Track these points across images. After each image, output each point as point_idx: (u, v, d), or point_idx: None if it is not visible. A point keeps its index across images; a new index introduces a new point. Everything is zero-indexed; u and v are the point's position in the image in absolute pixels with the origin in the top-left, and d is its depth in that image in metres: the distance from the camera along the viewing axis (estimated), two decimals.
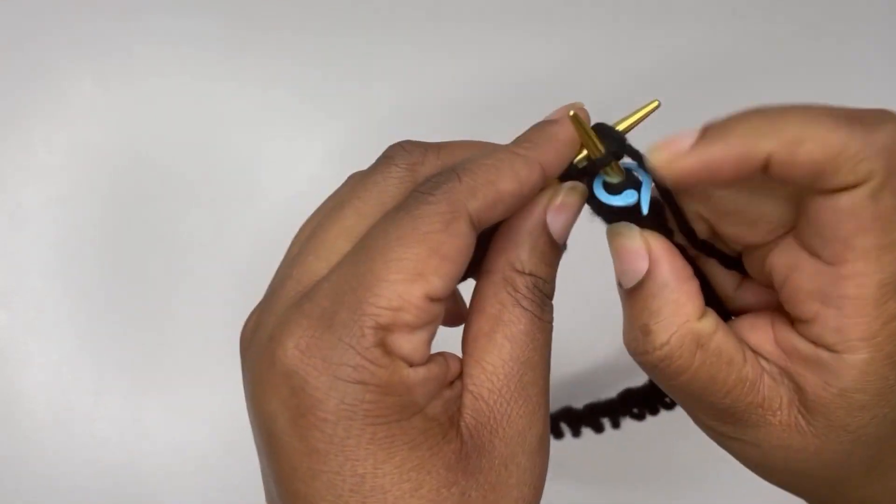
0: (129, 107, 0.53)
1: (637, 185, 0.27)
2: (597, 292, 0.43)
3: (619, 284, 0.28)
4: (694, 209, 0.27)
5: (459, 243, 0.24)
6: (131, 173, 0.52)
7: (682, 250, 0.28)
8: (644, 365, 0.27)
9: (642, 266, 0.26)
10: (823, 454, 0.26)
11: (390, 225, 0.24)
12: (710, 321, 0.26)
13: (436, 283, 0.23)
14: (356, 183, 0.28)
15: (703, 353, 0.26)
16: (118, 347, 0.50)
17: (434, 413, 0.24)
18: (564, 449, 0.45)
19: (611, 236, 0.28)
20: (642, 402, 0.44)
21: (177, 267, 0.51)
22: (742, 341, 0.27)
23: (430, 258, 0.23)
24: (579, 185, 0.27)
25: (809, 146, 0.23)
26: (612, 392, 0.45)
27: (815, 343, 0.25)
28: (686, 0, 0.57)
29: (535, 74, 0.55)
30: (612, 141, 0.27)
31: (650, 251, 0.26)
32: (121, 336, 0.50)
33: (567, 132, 0.26)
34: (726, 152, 0.23)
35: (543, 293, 0.26)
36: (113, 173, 0.52)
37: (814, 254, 0.25)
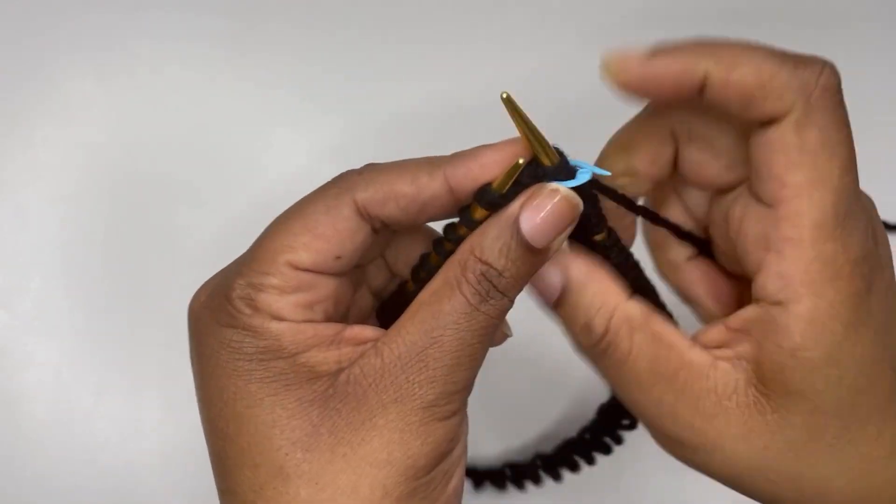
0: (129, 106, 0.53)
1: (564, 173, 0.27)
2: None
3: (546, 305, 0.30)
4: (669, 123, 0.29)
5: (338, 225, 0.27)
6: (132, 173, 0.52)
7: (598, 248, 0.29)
8: (593, 359, 0.29)
9: (557, 278, 0.28)
10: (787, 431, 0.26)
11: (289, 209, 0.28)
12: (638, 305, 0.28)
13: (302, 255, 0.27)
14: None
15: (640, 334, 0.27)
16: (118, 347, 0.50)
17: (308, 361, 0.26)
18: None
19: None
20: (586, 447, 0.46)
21: (177, 267, 0.51)
22: (687, 335, 0.28)
23: (303, 234, 0.27)
24: (563, 189, 0.26)
25: (743, 70, 0.24)
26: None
27: (765, 301, 0.26)
28: (686, 4, 0.57)
29: (536, 79, 0.55)
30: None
31: (562, 263, 0.29)
32: (121, 336, 0.50)
33: (490, 154, 0.27)
34: (668, 67, 0.25)
35: (493, 284, 0.26)
36: (113, 173, 0.52)
37: (758, 199, 0.26)
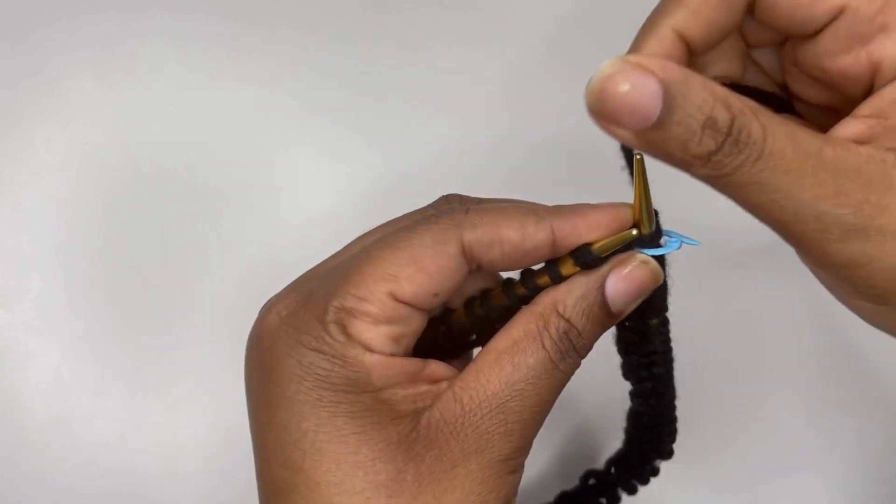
0: (129, 106, 0.53)
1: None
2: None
3: (643, 136, 0.22)
4: None
5: (442, 263, 0.26)
6: (131, 173, 0.52)
7: None
8: (720, 164, 0.22)
9: (655, 86, 0.21)
10: None
11: (393, 235, 0.27)
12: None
13: (405, 287, 0.26)
14: (399, 216, 0.30)
15: (765, 113, 0.22)
16: (118, 347, 0.50)
17: (391, 398, 0.26)
18: None
19: (599, 87, 0.21)
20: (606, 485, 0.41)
21: (177, 267, 0.51)
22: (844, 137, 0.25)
23: (408, 265, 0.26)
24: (652, 264, 0.27)
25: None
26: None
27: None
28: None
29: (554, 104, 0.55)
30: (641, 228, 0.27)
31: (648, 65, 0.21)
32: (121, 336, 0.50)
33: (598, 217, 0.27)
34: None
35: (572, 343, 0.27)
36: (113, 173, 0.52)
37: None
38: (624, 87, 0.20)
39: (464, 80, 0.54)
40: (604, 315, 0.27)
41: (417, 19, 0.55)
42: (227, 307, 0.50)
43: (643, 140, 0.22)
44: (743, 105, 0.22)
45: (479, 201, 0.29)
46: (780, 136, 0.22)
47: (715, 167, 0.22)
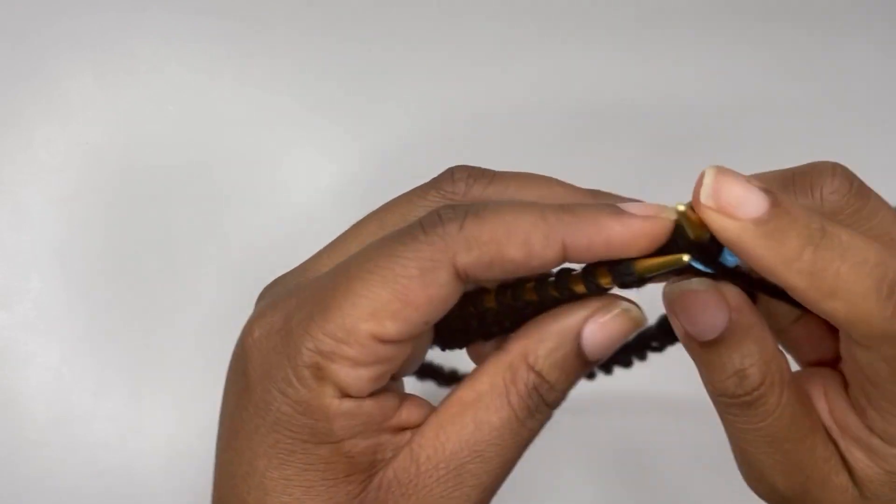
0: (129, 106, 0.53)
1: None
2: None
3: (690, 340, 0.25)
4: None
5: (433, 293, 0.23)
6: (131, 173, 0.52)
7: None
8: (729, 408, 0.25)
9: (723, 316, 0.24)
10: None
11: (376, 250, 0.24)
12: (786, 360, 0.26)
13: (389, 327, 0.23)
14: (399, 196, 0.27)
15: (789, 392, 0.25)
16: (118, 347, 0.50)
17: (351, 450, 0.24)
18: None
19: (679, 291, 0.25)
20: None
21: (177, 267, 0.51)
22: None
23: (392, 302, 0.22)
24: (635, 311, 0.24)
25: (837, 304, 0.22)
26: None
27: (868, 427, 0.25)
28: (687, 4, 0.57)
29: (553, 90, 0.55)
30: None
31: (728, 299, 0.24)
32: (121, 336, 0.50)
33: (620, 232, 0.23)
34: (765, 256, 0.22)
35: (542, 398, 0.24)
36: (113, 173, 0.52)
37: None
38: (712, 314, 0.24)
39: (473, 93, 0.54)
40: (579, 364, 0.24)
41: (415, 18, 0.55)
42: (226, 307, 0.50)
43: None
44: (776, 377, 0.24)
45: (490, 180, 0.26)
46: (785, 416, 0.25)
47: (724, 404, 0.26)
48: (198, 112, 0.53)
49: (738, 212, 0.21)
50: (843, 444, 0.26)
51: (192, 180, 0.52)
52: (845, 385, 0.26)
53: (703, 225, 0.22)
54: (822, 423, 0.26)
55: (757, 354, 0.24)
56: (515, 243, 0.22)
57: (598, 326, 0.24)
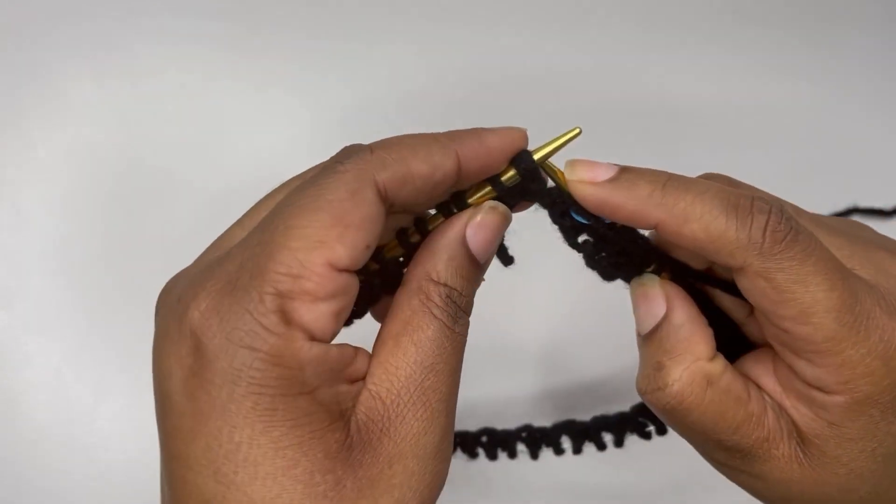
0: (128, 107, 0.53)
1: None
2: (603, 302, 0.43)
3: (637, 332, 0.29)
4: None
5: (365, 211, 0.24)
6: (131, 173, 0.52)
7: (700, 300, 0.29)
8: (655, 403, 0.28)
9: (660, 310, 0.28)
10: (823, 487, 0.27)
11: (297, 193, 0.25)
12: (720, 363, 0.28)
13: (339, 251, 0.23)
14: (302, 172, 0.29)
15: (713, 390, 0.27)
16: (118, 347, 0.50)
17: (323, 400, 0.24)
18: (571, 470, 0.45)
19: (634, 286, 0.29)
20: (653, 417, 0.42)
21: (177, 267, 0.51)
22: (748, 379, 0.28)
23: (334, 226, 0.23)
24: (500, 206, 0.28)
25: (694, 226, 0.26)
26: (613, 407, 0.44)
27: (808, 383, 0.26)
28: (686, 3, 0.57)
29: (514, 73, 0.55)
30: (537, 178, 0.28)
31: (667, 296, 0.28)
32: (121, 336, 0.50)
33: (495, 139, 0.27)
34: (624, 202, 0.26)
35: (457, 305, 0.27)
36: (113, 173, 0.52)
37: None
38: (649, 308, 0.29)
39: (450, 79, 0.54)
40: (474, 268, 0.27)
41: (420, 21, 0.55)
42: None
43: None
44: (698, 378, 0.27)
45: (383, 140, 0.28)
46: (710, 412, 0.27)
47: (648, 397, 0.29)
48: (197, 112, 0.53)
49: (595, 178, 0.27)
50: (790, 405, 0.27)
51: (191, 180, 0.52)
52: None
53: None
54: (764, 406, 0.27)
55: (678, 351, 0.28)
56: (420, 158, 0.25)
57: (476, 226, 0.27)
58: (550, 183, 0.28)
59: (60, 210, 0.51)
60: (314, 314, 0.23)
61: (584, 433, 0.42)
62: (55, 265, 0.51)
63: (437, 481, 0.26)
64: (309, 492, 0.23)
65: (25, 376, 0.49)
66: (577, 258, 0.29)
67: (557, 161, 0.28)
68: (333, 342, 0.25)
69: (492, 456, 0.43)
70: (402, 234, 0.29)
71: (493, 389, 0.49)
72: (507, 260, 0.30)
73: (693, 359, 0.27)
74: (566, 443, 0.43)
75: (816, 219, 0.29)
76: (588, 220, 0.28)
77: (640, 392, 0.28)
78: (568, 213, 0.28)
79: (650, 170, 0.27)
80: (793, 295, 0.25)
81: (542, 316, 0.50)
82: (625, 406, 0.42)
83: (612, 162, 0.27)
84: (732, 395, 0.27)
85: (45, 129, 0.52)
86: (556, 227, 0.29)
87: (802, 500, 0.27)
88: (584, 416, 0.45)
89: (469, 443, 0.43)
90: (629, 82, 0.56)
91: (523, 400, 0.51)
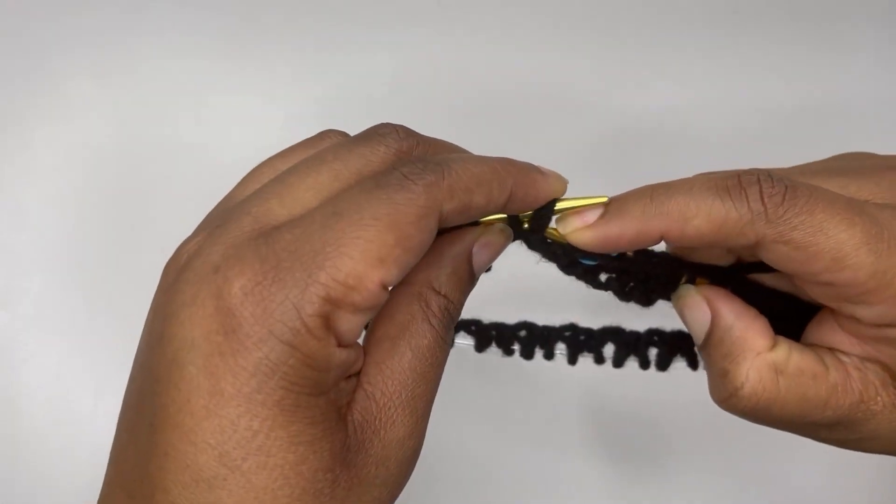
0: (129, 106, 0.53)
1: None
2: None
3: (697, 347, 0.30)
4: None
5: (424, 238, 0.25)
6: (131, 173, 0.52)
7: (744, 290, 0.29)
8: (734, 410, 0.28)
9: (705, 317, 0.28)
10: None
11: (366, 199, 0.24)
12: (783, 348, 0.28)
13: (393, 272, 0.24)
14: (340, 146, 0.27)
15: (785, 378, 0.27)
16: (118, 347, 0.50)
17: (335, 399, 0.25)
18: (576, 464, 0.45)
19: (675, 302, 0.30)
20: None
21: None
22: (820, 349, 0.28)
23: (396, 247, 0.24)
24: (508, 230, 0.29)
25: (696, 222, 0.26)
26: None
27: (876, 325, 0.27)
28: (686, 3, 0.57)
29: (518, 67, 0.55)
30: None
31: (708, 301, 0.29)
32: (121, 336, 0.50)
33: (545, 188, 0.28)
34: (622, 230, 0.27)
35: (451, 316, 0.27)
36: (113, 172, 0.52)
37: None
38: (695, 318, 0.29)
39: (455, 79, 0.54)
40: (469, 283, 0.28)
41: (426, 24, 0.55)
42: None
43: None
44: (766, 372, 0.27)
45: (429, 144, 0.28)
46: (791, 400, 0.27)
47: (725, 405, 0.29)
48: (197, 112, 0.53)
49: (587, 221, 0.28)
50: (873, 351, 0.27)
51: (192, 180, 0.52)
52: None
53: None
54: (845, 369, 0.27)
55: (736, 351, 0.28)
56: (482, 192, 0.26)
57: (483, 245, 0.28)
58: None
59: (60, 210, 0.51)
60: (350, 324, 0.24)
61: (632, 344, 0.39)
62: (55, 265, 0.51)
63: (404, 482, 0.27)
64: (309, 488, 0.24)
65: (25, 376, 0.49)
66: None
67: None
68: None
69: (528, 354, 0.40)
70: None
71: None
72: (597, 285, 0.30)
73: (754, 354, 0.27)
74: (609, 352, 0.40)
75: (810, 169, 0.30)
76: (596, 260, 0.29)
77: (718, 403, 0.29)
78: (576, 262, 0.29)
79: (633, 190, 0.28)
80: (817, 248, 0.25)
81: None
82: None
83: (597, 200, 0.28)
84: (808, 374, 0.27)
85: (45, 129, 0.52)
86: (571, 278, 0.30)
87: None
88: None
89: (506, 337, 0.41)
90: (629, 87, 0.56)
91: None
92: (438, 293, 0.27)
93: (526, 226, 0.29)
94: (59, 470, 0.49)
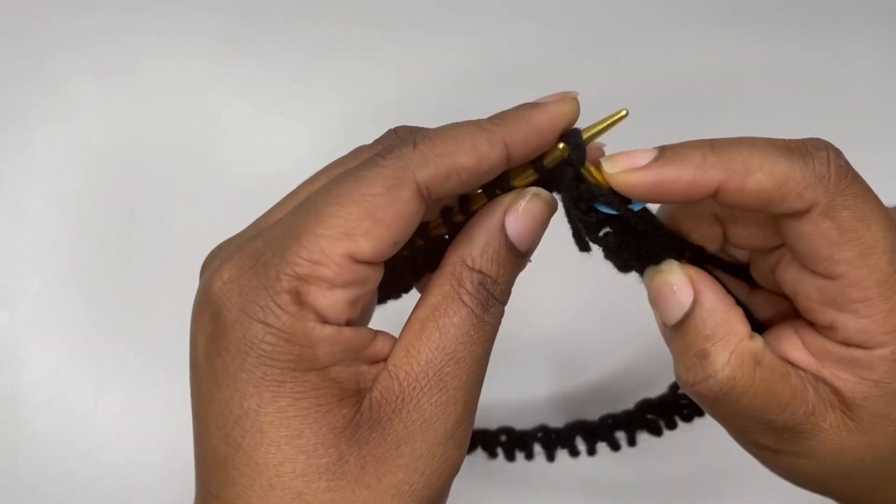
0: (129, 105, 0.53)
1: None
2: (611, 300, 0.43)
3: (663, 325, 0.29)
4: (710, 209, 0.29)
5: (399, 209, 0.24)
6: (131, 173, 0.52)
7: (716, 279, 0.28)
8: (705, 393, 0.27)
9: (687, 297, 0.27)
10: (875, 449, 0.27)
11: (335, 182, 0.25)
12: (760, 340, 0.27)
13: (363, 245, 0.24)
14: (344, 155, 0.29)
15: (762, 369, 0.26)
16: (118, 347, 0.50)
17: (338, 376, 0.25)
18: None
19: (651, 276, 0.28)
20: (661, 413, 0.42)
21: (177, 266, 0.51)
22: (780, 356, 0.28)
23: (363, 220, 0.24)
24: (544, 192, 0.27)
25: (758, 176, 0.25)
26: (626, 404, 0.44)
27: (845, 343, 0.26)
28: (686, 3, 0.57)
29: (529, 67, 0.55)
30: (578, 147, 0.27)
31: (693, 281, 0.27)
32: (121, 336, 0.50)
33: (546, 118, 0.26)
34: (679, 175, 0.25)
35: (490, 292, 0.26)
36: (113, 172, 0.52)
37: (809, 270, 0.26)
38: (676, 296, 0.27)
39: (460, 73, 0.54)
40: (513, 256, 0.27)
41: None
42: None
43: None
44: (746, 359, 0.27)
45: (427, 131, 0.27)
46: (761, 393, 0.27)
47: (693, 387, 0.28)
48: (197, 110, 0.53)
49: (637, 164, 0.26)
50: (828, 373, 0.27)
51: (192, 180, 0.52)
52: (811, 326, 0.28)
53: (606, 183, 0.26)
54: (803, 380, 0.27)
55: (720, 334, 0.27)
56: (465, 150, 0.25)
57: (516, 215, 0.26)
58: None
59: (60, 210, 0.51)
60: (329, 300, 0.24)
61: (595, 433, 0.42)
62: (55, 265, 0.51)
63: (448, 467, 0.26)
64: (312, 462, 0.24)
65: (25, 376, 0.49)
66: (580, 258, 0.29)
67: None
68: (370, 325, 0.26)
69: (510, 457, 0.43)
70: (446, 212, 0.28)
71: (506, 389, 0.49)
72: (583, 246, 0.29)
73: (737, 340, 0.26)
74: (581, 444, 0.43)
75: None
76: (618, 210, 0.27)
77: (685, 384, 0.28)
78: (593, 208, 0.27)
79: (688, 141, 0.26)
80: (855, 234, 0.25)
81: (548, 315, 0.50)
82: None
83: (617, 116, 0.27)
84: (778, 371, 0.27)
85: (45, 129, 0.52)
86: (569, 223, 0.28)
87: (855, 470, 0.27)
88: (596, 416, 0.45)
89: (490, 442, 0.44)
90: (635, 69, 0.56)
91: (535, 401, 0.51)
92: (471, 268, 0.26)
93: (555, 155, 0.26)
94: (59, 470, 0.49)
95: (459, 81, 0.54)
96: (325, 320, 0.24)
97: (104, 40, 0.54)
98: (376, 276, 0.25)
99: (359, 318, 0.26)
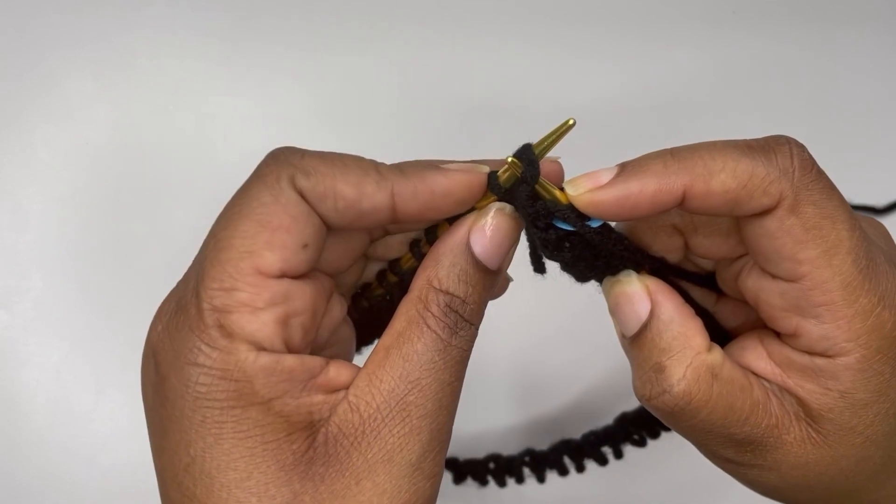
0: (128, 105, 0.53)
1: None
2: (578, 315, 0.43)
3: (622, 335, 0.28)
4: (670, 221, 0.28)
5: (291, 212, 0.24)
6: (131, 173, 0.52)
7: (679, 290, 0.28)
8: (661, 408, 0.26)
9: (644, 308, 0.26)
10: (840, 462, 0.26)
11: (226, 207, 0.25)
12: (718, 352, 0.26)
13: (268, 258, 0.23)
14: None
15: (719, 383, 0.26)
16: (118, 347, 0.50)
17: (283, 410, 0.23)
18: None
19: (609, 286, 0.28)
20: (641, 425, 0.42)
21: (177, 266, 0.51)
22: (744, 366, 0.27)
23: (260, 232, 0.23)
24: (507, 207, 0.26)
25: (722, 177, 0.24)
26: (607, 419, 0.44)
27: (808, 352, 0.26)
28: (686, 4, 0.57)
29: (530, 67, 0.55)
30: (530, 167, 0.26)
31: (650, 292, 0.27)
32: (121, 336, 0.50)
33: (443, 183, 0.25)
34: (643, 186, 0.25)
35: (459, 314, 0.25)
36: (112, 172, 0.52)
37: (771, 274, 0.26)
38: (633, 307, 0.27)
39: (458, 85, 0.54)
40: (482, 274, 0.26)
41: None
42: None
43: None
44: (703, 373, 0.26)
45: (320, 152, 0.27)
46: (720, 407, 0.26)
47: (650, 400, 0.27)
48: (198, 112, 0.53)
49: (600, 183, 0.25)
50: (793, 384, 0.26)
51: (192, 180, 0.52)
52: (776, 335, 0.27)
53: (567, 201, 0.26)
54: (766, 391, 0.26)
55: (676, 347, 0.26)
56: (349, 181, 0.24)
57: (481, 231, 0.26)
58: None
59: (60, 210, 0.51)
60: (255, 324, 0.23)
61: (581, 450, 0.43)
62: (55, 265, 0.51)
63: (417, 501, 0.24)
64: None
65: (25, 376, 0.49)
66: (539, 280, 0.29)
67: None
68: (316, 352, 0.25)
69: (501, 483, 0.44)
70: (414, 245, 0.28)
71: (488, 417, 0.49)
72: (539, 267, 0.28)
73: (693, 353, 0.26)
74: (570, 463, 0.44)
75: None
76: (575, 227, 0.26)
77: (642, 398, 0.27)
78: (552, 225, 0.26)
79: (648, 153, 0.26)
80: (820, 232, 0.24)
81: (517, 339, 0.50)
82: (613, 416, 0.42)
83: (564, 127, 0.26)
84: (737, 385, 0.26)
85: (45, 129, 0.52)
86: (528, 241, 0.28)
87: (819, 483, 0.26)
88: (578, 434, 0.45)
89: (479, 470, 0.44)
90: (635, 69, 0.56)
91: (518, 425, 0.51)
92: (438, 290, 0.25)
93: (509, 174, 0.26)
94: (59, 470, 0.49)
95: (459, 81, 0.55)
96: (261, 347, 0.23)
97: (104, 39, 0.54)
98: (304, 290, 0.24)
99: (308, 345, 0.25)
